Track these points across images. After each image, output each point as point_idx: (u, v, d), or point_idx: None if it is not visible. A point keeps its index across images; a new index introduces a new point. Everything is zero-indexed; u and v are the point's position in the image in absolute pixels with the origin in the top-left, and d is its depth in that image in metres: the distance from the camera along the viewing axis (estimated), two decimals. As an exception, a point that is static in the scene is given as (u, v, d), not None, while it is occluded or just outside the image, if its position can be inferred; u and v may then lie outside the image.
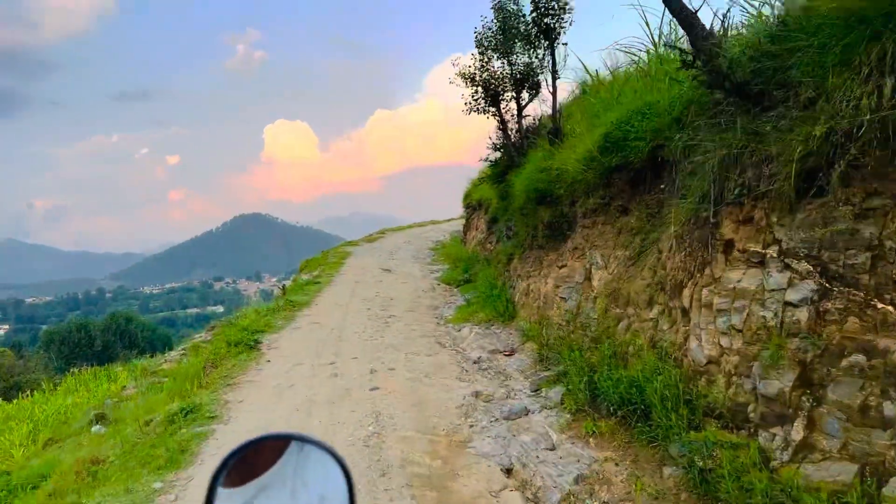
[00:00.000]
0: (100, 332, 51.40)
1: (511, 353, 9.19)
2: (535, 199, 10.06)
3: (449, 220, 32.99)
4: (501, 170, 13.94)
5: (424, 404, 7.16)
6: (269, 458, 1.11)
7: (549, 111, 14.32)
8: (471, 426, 6.56)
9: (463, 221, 28.18)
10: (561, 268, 9.02)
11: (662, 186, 6.88)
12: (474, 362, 8.82)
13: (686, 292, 5.45)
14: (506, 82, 13.36)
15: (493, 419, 6.71)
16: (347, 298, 14.22)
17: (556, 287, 9.01)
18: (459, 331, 10.81)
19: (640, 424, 5.41)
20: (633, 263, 7.02)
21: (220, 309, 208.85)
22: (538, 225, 10.23)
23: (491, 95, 13.51)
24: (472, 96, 13.62)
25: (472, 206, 20.76)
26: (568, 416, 6.43)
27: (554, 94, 10.32)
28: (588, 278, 8.01)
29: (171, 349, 15.22)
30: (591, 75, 10.42)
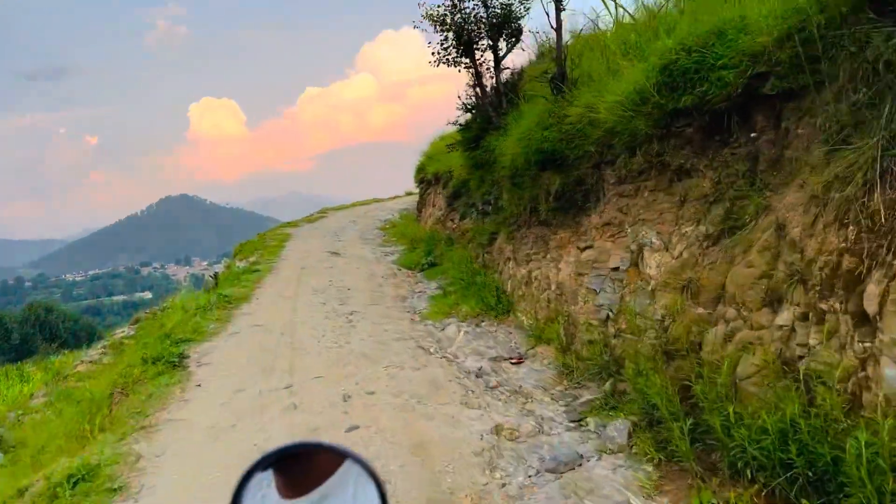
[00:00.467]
0: (17, 325, 47.21)
1: (520, 361, 7.12)
2: (538, 162, 7.95)
3: (394, 198, 30.87)
4: (475, 133, 11.76)
5: (427, 450, 4.99)
6: (322, 469, 1.06)
7: (527, 63, 12.35)
8: (503, 485, 4.46)
9: (411, 199, 25.50)
10: (584, 249, 6.95)
11: (754, 135, 4.87)
12: (476, 375, 6.70)
13: (871, 289, 3.43)
14: (481, 27, 11.17)
15: (531, 472, 4.63)
16: (295, 289, 11.85)
17: (577, 275, 6.94)
18: (443, 329, 8.66)
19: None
20: (713, 244, 5.00)
21: (149, 295, 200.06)
22: (539, 195, 8.13)
23: (464, 43, 11.29)
24: (442, 44, 11.38)
25: (427, 180, 18.53)
26: (649, 468, 4.40)
27: (558, 28, 8.15)
28: (635, 263, 5.96)
29: (96, 341, 14.14)
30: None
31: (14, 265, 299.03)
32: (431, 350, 7.72)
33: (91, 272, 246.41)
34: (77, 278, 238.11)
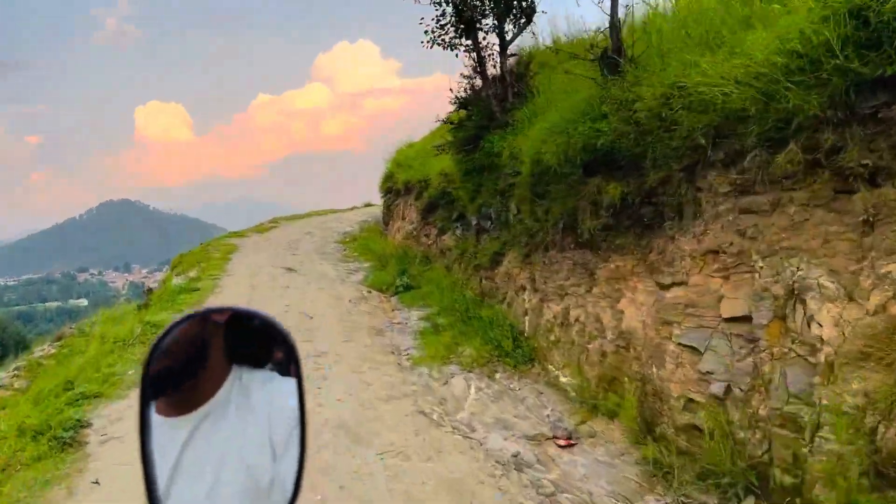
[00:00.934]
0: None
1: (570, 443, 4.99)
2: (584, 164, 5.90)
3: (353, 209, 28.65)
4: (472, 133, 9.68)
5: None
6: (209, 386, 1.01)
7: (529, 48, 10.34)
8: None
9: (372, 210, 23.58)
10: (668, 287, 4.87)
11: None
12: (516, 468, 4.54)
13: None
14: (486, 3, 9.14)
15: None
16: (244, 317, 9.53)
17: (660, 323, 4.85)
18: (445, 383, 6.46)
19: None
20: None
21: (84, 303, 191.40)
22: (582, 208, 6.07)
23: (465, 21, 9.23)
24: (438, 20, 9.30)
25: (396, 190, 16.34)
26: None
27: (615, -9, 6.11)
28: (781, 316, 3.90)
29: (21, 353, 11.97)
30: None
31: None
32: (435, 417, 5.53)
33: (25, 276, 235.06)
34: (9, 282, 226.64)
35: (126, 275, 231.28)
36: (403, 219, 14.92)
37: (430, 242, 12.51)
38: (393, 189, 16.62)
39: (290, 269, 13.65)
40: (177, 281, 12.60)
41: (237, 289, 11.51)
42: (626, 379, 5.07)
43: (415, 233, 13.44)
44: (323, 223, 22.79)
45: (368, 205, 28.15)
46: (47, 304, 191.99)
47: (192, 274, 13.10)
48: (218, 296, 11.10)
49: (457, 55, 9.51)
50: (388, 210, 17.52)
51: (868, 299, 3.38)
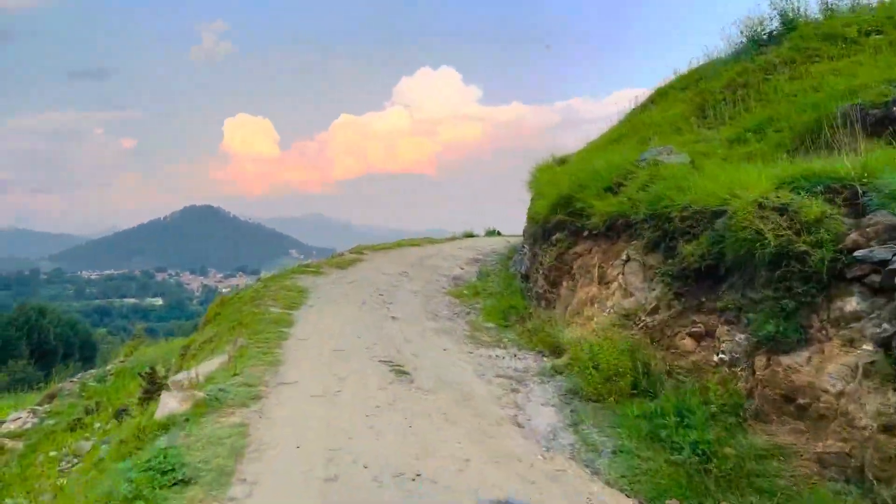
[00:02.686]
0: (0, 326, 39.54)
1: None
2: None
3: (451, 239, 22.99)
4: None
5: None
6: None
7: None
8: None
9: (474, 244, 19.73)
10: None
11: None
12: None
13: None
14: None
15: None
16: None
17: None
18: None
19: None
20: None
21: (160, 301, 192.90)
22: None
23: None
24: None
25: (573, 228, 9.69)
26: None
27: None
28: None
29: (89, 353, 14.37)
30: None
31: (32, 256, 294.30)
32: None
33: (107, 272, 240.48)
34: (92, 276, 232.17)
35: (201, 277, 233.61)
36: (603, 283, 8.26)
37: (723, 361, 5.91)
38: (563, 224, 9.95)
39: (396, 369, 7.25)
40: (180, 380, 6.34)
41: (294, 429, 5.23)
42: None
43: (653, 324, 6.84)
44: (420, 259, 16.58)
45: (469, 235, 24.34)
46: (125, 299, 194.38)
47: (217, 364, 6.87)
48: (256, 440, 4.86)
49: None
50: (540, 258, 10.88)
51: None
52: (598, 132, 14.81)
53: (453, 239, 23.08)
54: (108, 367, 16.94)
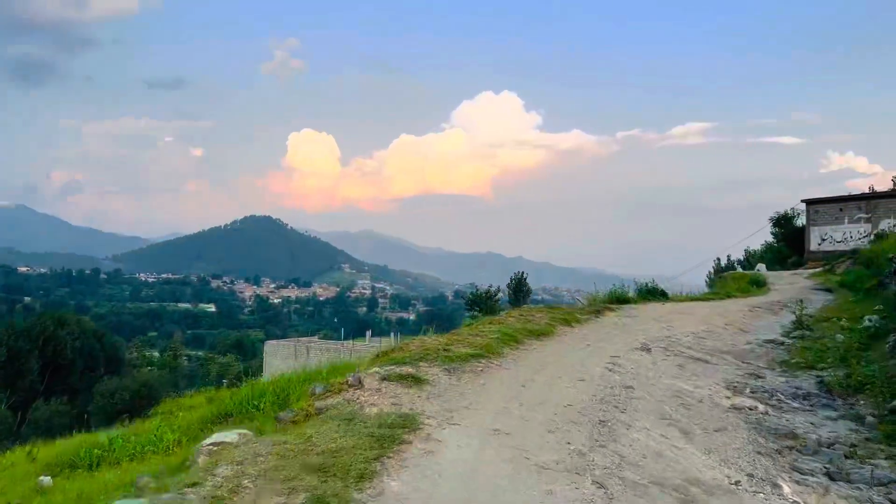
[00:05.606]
0: (11, 337, 37.70)
1: None
2: None
3: (747, 296, 19.15)
4: None
5: None
6: None
7: None
8: None
9: (765, 302, 16.11)
10: None
11: None
12: None
13: None
14: None
15: None
16: None
17: None
18: None
19: None
20: None
21: (212, 308, 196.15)
22: None
23: None
24: None
25: None
26: None
27: None
28: None
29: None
30: None
31: (98, 255, 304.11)
32: None
33: (164, 275, 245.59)
34: (150, 279, 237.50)
35: (255, 287, 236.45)
36: None
37: None
38: None
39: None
40: None
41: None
42: None
43: None
44: (718, 344, 10.75)
45: (757, 285, 21.56)
46: (179, 304, 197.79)
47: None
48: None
49: None
50: None
51: None
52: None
53: (730, 297, 18.96)
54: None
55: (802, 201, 36.72)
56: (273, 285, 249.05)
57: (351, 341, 59.08)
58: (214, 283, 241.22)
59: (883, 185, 40.06)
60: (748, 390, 7.49)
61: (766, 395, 7.38)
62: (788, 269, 32.00)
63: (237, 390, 10.94)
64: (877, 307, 11.85)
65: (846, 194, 35.88)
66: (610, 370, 7.77)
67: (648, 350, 9.40)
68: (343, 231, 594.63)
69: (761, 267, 30.68)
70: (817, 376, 8.15)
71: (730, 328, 12.28)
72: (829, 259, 30.80)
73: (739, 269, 33.60)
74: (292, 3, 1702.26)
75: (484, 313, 38.03)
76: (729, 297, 19.17)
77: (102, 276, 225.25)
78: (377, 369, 6.57)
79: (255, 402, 8.84)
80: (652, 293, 16.74)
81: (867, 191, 36.54)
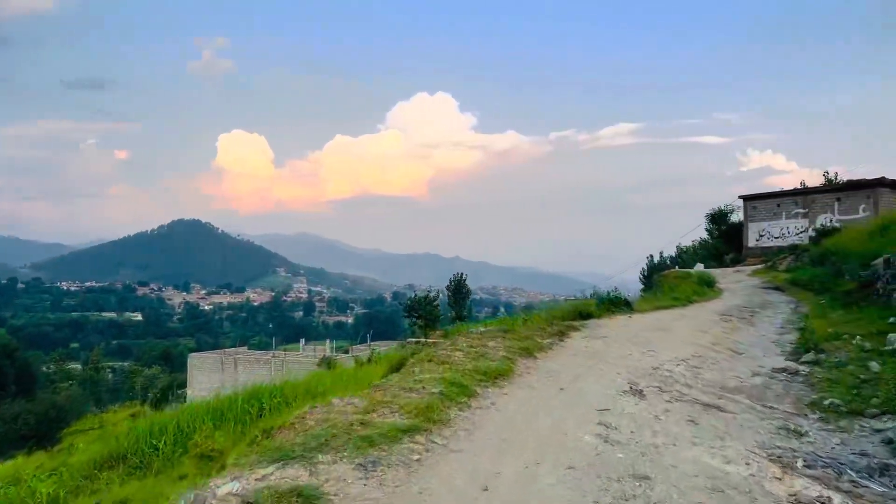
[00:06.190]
0: None
1: None
2: None
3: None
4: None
5: None
6: None
7: None
8: None
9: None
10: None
11: None
12: None
13: None
14: None
15: None
16: None
17: None
18: None
19: None
20: None
21: (138, 317, 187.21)
22: None
23: None
24: None
25: None
26: None
27: None
28: None
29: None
30: None
31: (15, 265, 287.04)
32: None
33: (87, 283, 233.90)
34: (72, 288, 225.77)
35: (184, 294, 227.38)
36: None
37: None
38: None
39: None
40: None
41: None
42: None
43: None
44: (719, 377, 8.56)
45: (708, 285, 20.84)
46: (103, 313, 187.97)
47: None
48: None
49: None
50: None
51: None
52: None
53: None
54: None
55: (740, 197, 35.95)
56: (204, 291, 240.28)
57: (283, 351, 55.63)
58: (141, 291, 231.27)
59: (795, 182, 39.70)
60: (800, 463, 5.22)
61: (828, 470, 5.12)
62: (726, 266, 31.36)
63: (134, 426, 9.86)
64: (891, 320, 9.95)
65: (783, 189, 35.15)
66: (604, 439, 5.39)
67: (641, 394, 7.10)
68: (278, 234, 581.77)
69: (699, 266, 29.70)
70: (877, 430, 6.01)
71: (720, 350, 10.22)
72: (768, 255, 30.50)
73: (676, 268, 32.73)
74: (220, 1, 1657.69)
75: (424, 322, 35.74)
76: (690, 302, 17.42)
77: (20, 285, 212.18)
78: (245, 478, 3.96)
79: (154, 442, 8.21)
80: (615, 303, 14.67)
81: (799, 186, 35.99)
